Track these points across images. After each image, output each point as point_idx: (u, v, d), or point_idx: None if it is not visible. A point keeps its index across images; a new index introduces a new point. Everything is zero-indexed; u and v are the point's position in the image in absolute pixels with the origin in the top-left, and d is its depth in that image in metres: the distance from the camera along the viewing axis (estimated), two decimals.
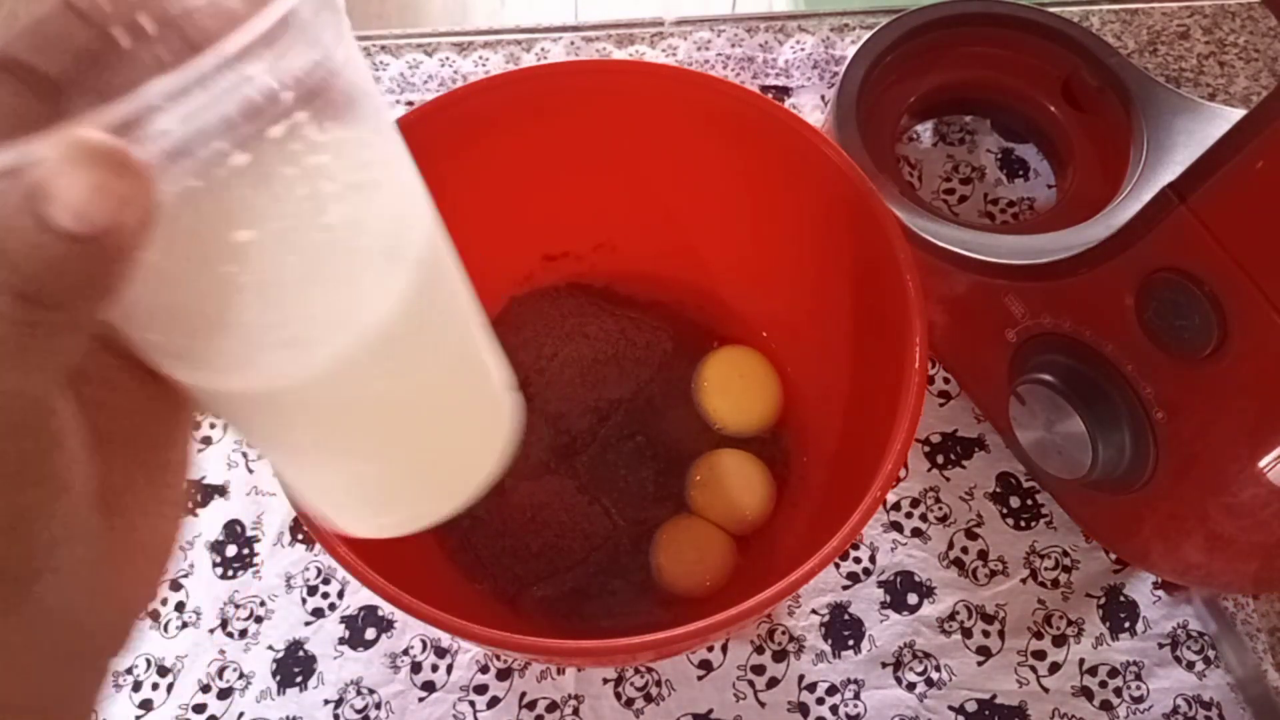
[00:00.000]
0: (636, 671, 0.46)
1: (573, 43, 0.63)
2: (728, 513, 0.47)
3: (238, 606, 0.48)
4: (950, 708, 0.45)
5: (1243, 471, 0.37)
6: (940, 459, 0.50)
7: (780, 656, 0.46)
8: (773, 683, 0.46)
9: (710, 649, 0.46)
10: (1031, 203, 0.57)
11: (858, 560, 0.48)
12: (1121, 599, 0.47)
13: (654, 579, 0.46)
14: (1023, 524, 0.49)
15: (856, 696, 0.45)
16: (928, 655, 0.46)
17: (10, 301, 0.15)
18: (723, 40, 0.62)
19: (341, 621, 0.47)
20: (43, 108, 0.19)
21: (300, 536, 0.49)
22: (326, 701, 0.45)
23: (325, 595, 0.48)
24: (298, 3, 0.16)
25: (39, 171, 0.15)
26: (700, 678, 0.46)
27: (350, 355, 0.18)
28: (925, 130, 0.60)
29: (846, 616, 0.47)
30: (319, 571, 0.48)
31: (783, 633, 0.47)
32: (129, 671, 0.46)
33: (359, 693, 0.46)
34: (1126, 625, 0.47)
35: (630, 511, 0.47)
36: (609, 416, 0.49)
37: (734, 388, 0.50)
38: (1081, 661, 0.46)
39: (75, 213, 0.15)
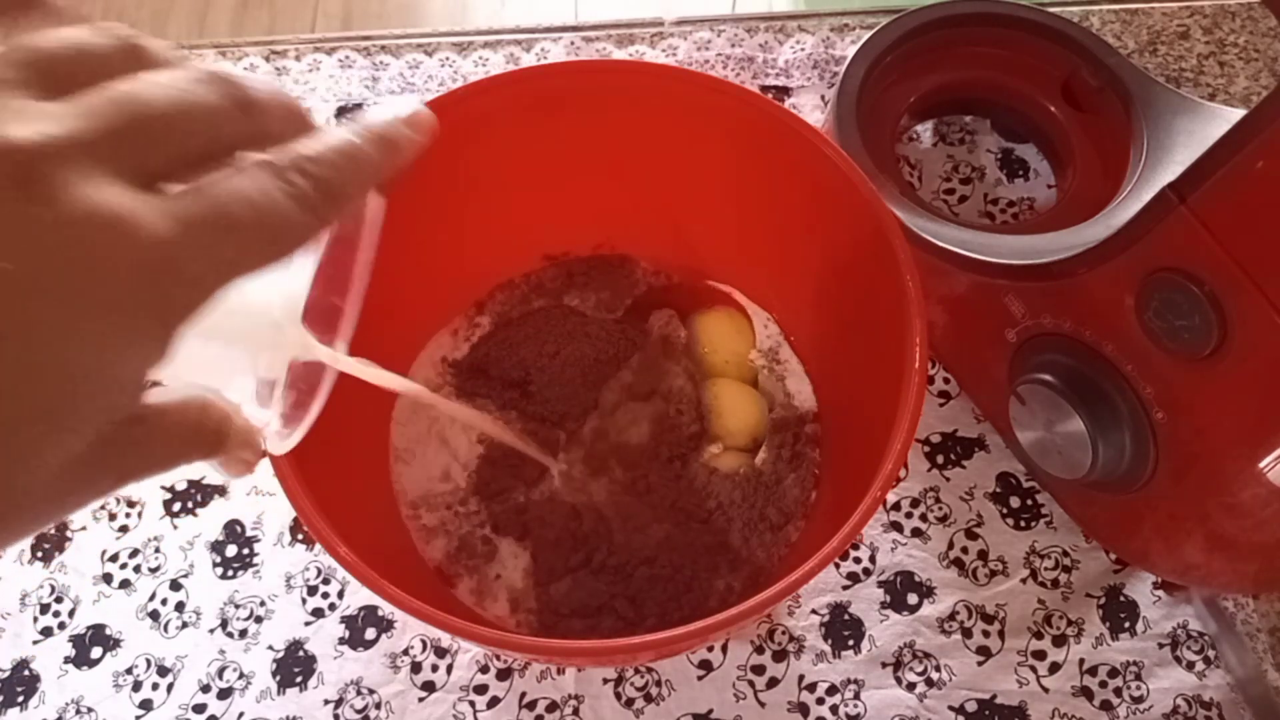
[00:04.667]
0: (636, 671, 0.46)
1: (573, 43, 0.63)
2: (747, 428, 0.48)
3: (238, 606, 0.48)
4: (950, 708, 0.45)
5: (1243, 471, 0.37)
6: (940, 459, 0.51)
7: (780, 656, 0.46)
8: (773, 683, 0.46)
9: (710, 649, 0.46)
10: (1031, 203, 0.57)
11: (858, 560, 0.48)
12: (1121, 599, 0.47)
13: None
14: (1023, 524, 0.49)
15: (856, 696, 0.45)
16: (928, 655, 0.46)
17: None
18: (723, 40, 0.62)
19: (341, 621, 0.47)
20: None
21: (300, 536, 0.49)
22: (326, 701, 0.45)
23: (325, 595, 0.48)
24: None
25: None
26: (700, 678, 0.46)
27: None
28: (925, 130, 0.60)
29: (846, 616, 0.47)
30: (319, 571, 0.48)
31: (783, 633, 0.47)
32: (129, 671, 0.46)
33: (359, 693, 0.46)
34: (1126, 625, 0.47)
35: (629, 512, 0.47)
36: (609, 416, 0.49)
37: (730, 342, 0.50)
38: (1081, 661, 0.46)
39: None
